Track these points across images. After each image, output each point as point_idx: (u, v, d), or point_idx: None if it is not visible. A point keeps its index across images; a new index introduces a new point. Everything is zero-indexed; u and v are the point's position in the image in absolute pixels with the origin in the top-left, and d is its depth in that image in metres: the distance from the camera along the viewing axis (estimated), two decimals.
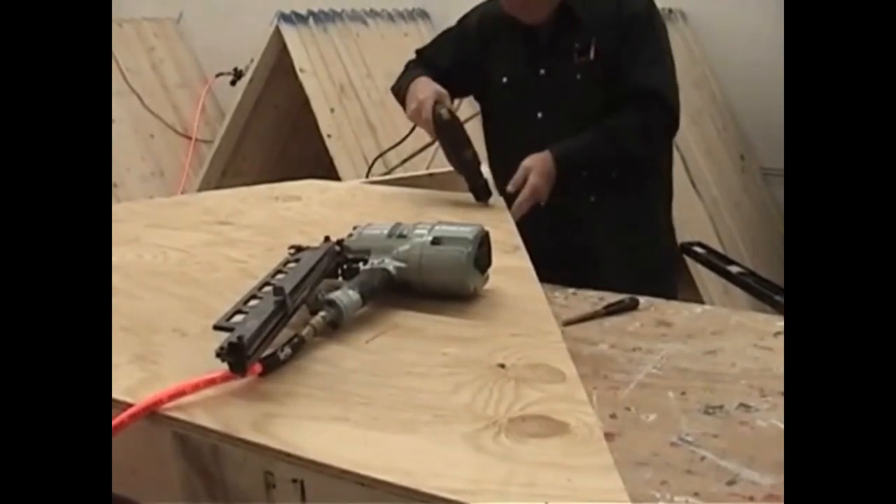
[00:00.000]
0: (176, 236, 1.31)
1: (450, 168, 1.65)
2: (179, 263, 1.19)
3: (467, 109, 2.41)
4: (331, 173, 3.07)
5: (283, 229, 1.33)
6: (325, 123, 3.14)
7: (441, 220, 1.03)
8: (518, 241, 1.24)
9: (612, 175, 1.65)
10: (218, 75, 4.33)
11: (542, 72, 1.68)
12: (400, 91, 1.71)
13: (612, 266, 1.59)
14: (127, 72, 4.13)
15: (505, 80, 1.73)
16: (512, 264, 1.14)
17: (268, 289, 0.89)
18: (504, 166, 1.70)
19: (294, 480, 0.69)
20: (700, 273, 2.35)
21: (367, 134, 3.26)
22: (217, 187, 3.35)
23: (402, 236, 1.01)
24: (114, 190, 3.82)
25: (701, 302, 2.35)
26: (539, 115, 1.70)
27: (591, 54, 1.65)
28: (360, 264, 1.01)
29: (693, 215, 2.64)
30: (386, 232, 1.02)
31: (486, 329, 0.91)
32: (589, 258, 1.65)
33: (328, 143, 3.12)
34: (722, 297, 2.49)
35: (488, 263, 1.02)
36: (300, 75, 3.15)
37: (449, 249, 0.97)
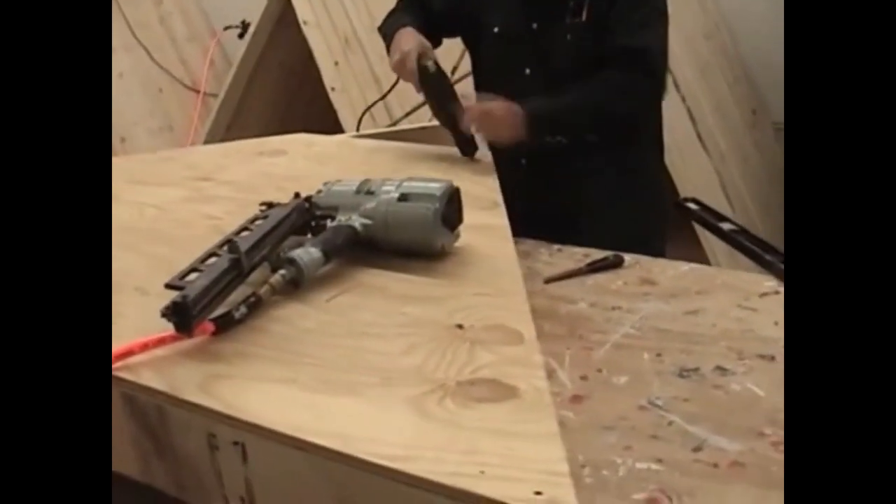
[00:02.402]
0: (155, 193, 1.29)
1: None
2: (154, 220, 1.17)
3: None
4: (336, 127, 3.03)
5: (263, 185, 1.31)
6: (329, 76, 3.09)
7: (412, 175, 1.00)
8: (498, 197, 1.21)
9: (591, 137, 1.60)
10: (226, 28, 4.28)
11: (535, 26, 1.63)
12: (385, 36, 1.67)
13: (600, 226, 1.55)
14: (135, 26, 4.09)
15: (496, 29, 1.68)
16: (488, 222, 1.11)
17: (228, 247, 0.87)
18: None
19: (235, 443, 0.68)
20: (705, 231, 2.30)
21: (371, 87, 3.21)
22: (223, 141, 3.33)
23: (369, 193, 0.98)
24: (121, 145, 3.82)
25: (706, 261, 2.32)
26: (527, 70, 1.65)
27: (584, 16, 1.59)
28: (328, 221, 0.99)
29: (699, 171, 2.58)
30: (354, 188, 1.00)
31: (450, 288, 0.89)
32: (576, 218, 1.61)
33: (332, 96, 3.07)
34: (726, 255, 2.45)
35: (459, 220, 0.99)
36: (303, 27, 3.09)
37: (415, 206, 0.94)
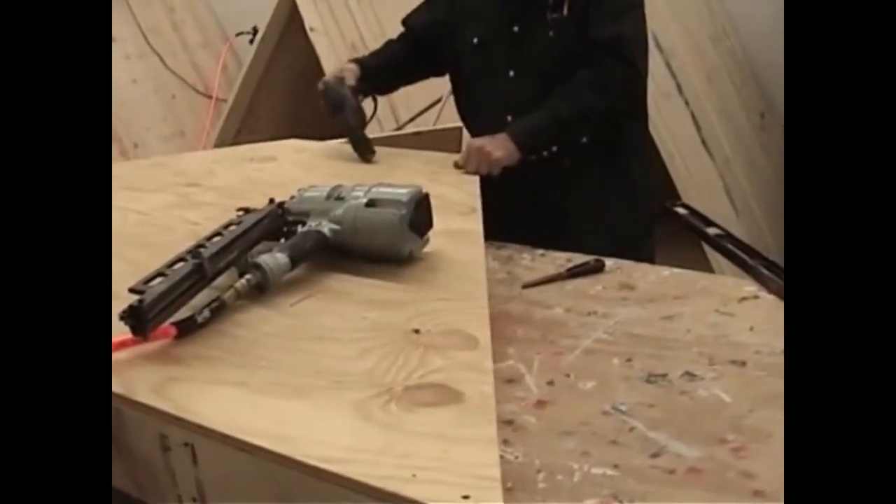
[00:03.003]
0: (141, 198, 1.31)
1: (437, 127, 1.63)
2: (137, 226, 1.19)
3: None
4: None
5: (249, 191, 1.32)
6: None
7: (387, 181, 1.01)
8: (476, 203, 1.21)
9: (582, 140, 1.60)
10: (238, 34, 4.32)
11: (516, 28, 1.63)
12: None
13: (586, 229, 1.55)
14: (148, 32, 4.14)
15: (476, 40, 1.69)
16: (463, 227, 1.12)
17: (191, 252, 0.89)
18: (478, 128, 1.68)
19: (186, 444, 0.69)
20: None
21: None
22: (232, 145, 3.36)
23: (339, 198, 0.99)
24: (134, 150, 3.87)
25: (706, 263, 2.30)
26: (511, 73, 1.65)
27: (565, 10, 1.60)
28: (300, 226, 1.00)
29: (702, 176, 2.57)
30: (325, 194, 1.01)
31: (413, 293, 0.90)
32: (562, 221, 1.61)
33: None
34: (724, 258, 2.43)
35: (428, 226, 1.00)
36: (310, 34, 3.11)
37: (382, 212, 0.95)
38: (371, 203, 0.96)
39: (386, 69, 1.79)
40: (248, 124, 3.49)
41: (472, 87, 1.71)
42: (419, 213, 0.97)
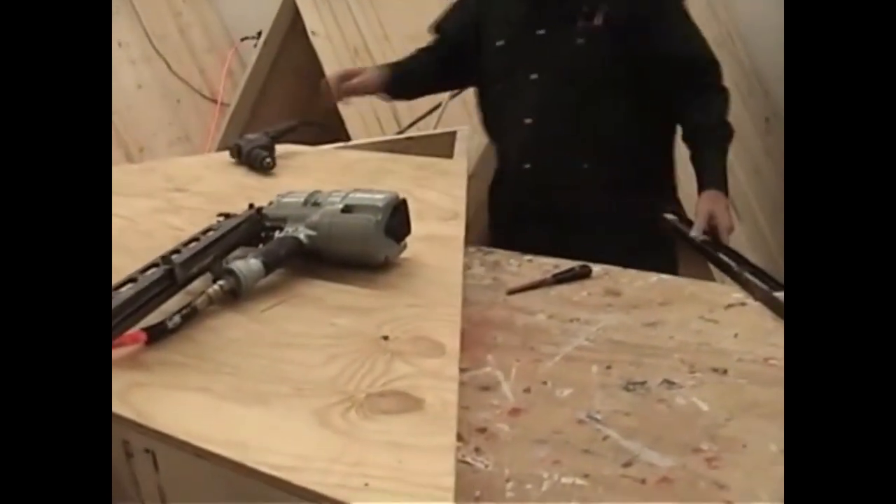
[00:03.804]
0: (128, 204, 1.31)
1: (430, 132, 1.64)
2: (120, 232, 1.19)
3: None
4: (348, 136, 3.05)
5: (234, 196, 1.32)
6: None
7: (360, 187, 1.01)
8: (460, 208, 1.21)
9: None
10: (243, 39, 4.34)
11: (541, 32, 1.64)
12: None
13: (604, 235, 1.55)
14: (154, 37, 4.16)
15: (500, 43, 1.70)
16: (444, 232, 1.11)
17: (161, 258, 0.88)
18: (499, 131, 1.70)
19: (147, 450, 0.69)
20: None
21: None
22: None
23: (316, 204, 0.99)
24: (140, 154, 3.88)
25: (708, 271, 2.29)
26: (533, 76, 1.66)
27: (599, 20, 1.60)
28: (277, 232, 1.00)
29: None
30: (302, 199, 1.01)
31: (385, 299, 0.89)
32: (579, 226, 1.62)
33: (340, 106, 3.09)
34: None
35: (406, 232, 0.99)
36: (312, 38, 3.12)
37: (358, 217, 0.95)
38: (347, 209, 0.96)
39: (416, 75, 1.85)
40: (251, 128, 3.49)
41: (494, 88, 1.73)
42: (395, 219, 0.96)
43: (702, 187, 1.56)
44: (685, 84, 1.62)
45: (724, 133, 1.62)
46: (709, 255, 1.31)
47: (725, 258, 1.28)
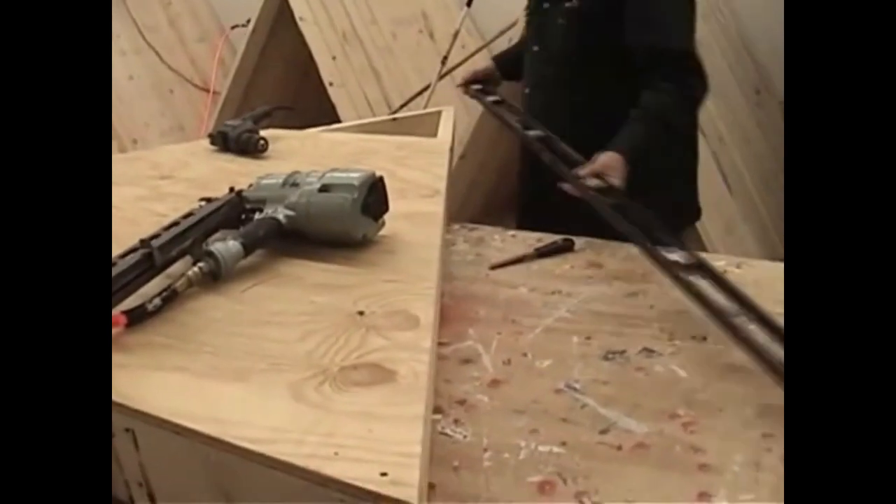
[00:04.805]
0: (114, 192, 1.31)
1: (414, 112, 1.64)
2: None
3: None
4: (338, 120, 3.06)
5: (219, 182, 1.32)
6: (327, 71, 3.11)
7: (337, 167, 1.02)
8: (440, 185, 1.21)
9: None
10: (233, 27, 4.33)
11: (545, 5, 1.69)
12: None
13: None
14: (144, 29, 4.15)
15: (526, 13, 1.79)
16: (424, 209, 1.12)
17: (140, 242, 0.89)
18: (522, 93, 1.78)
19: (127, 430, 0.70)
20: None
21: (371, 81, 3.23)
22: None
23: (294, 185, 1.00)
24: (133, 146, 3.89)
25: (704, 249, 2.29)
26: (535, 48, 1.73)
27: (575, 2, 1.60)
28: (257, 214, 1.01)
29: None
30: (281, 181, 1.01)
31: (363, 276, 0.90)
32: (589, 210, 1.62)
33: (330, 91, 3.10)
34: (724, 240, 2.42)
35: (383, 209, 1.00)
36: (300, 24, 3.11)
37: (334, 196, 0.95)
38: (324, 188, 0.96)
39: (510, 58, 1.94)
40: (242, 115, 3.50)
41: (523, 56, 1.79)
42: (372, 197, 0.97)
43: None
44: (647, 70, 1.55)
45: (658, 122, 1.53)
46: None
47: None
